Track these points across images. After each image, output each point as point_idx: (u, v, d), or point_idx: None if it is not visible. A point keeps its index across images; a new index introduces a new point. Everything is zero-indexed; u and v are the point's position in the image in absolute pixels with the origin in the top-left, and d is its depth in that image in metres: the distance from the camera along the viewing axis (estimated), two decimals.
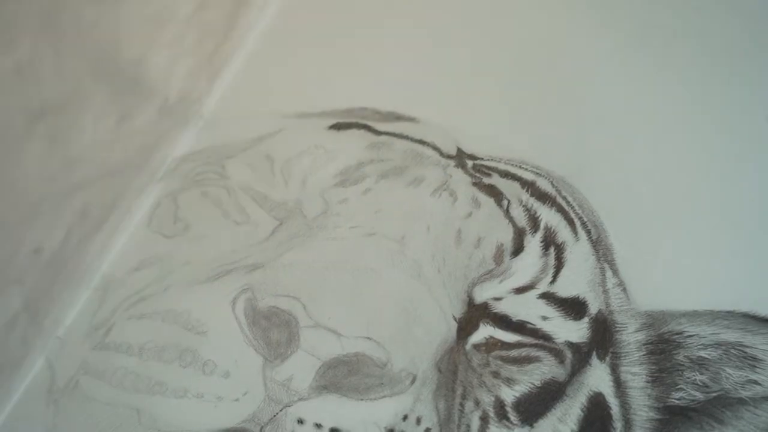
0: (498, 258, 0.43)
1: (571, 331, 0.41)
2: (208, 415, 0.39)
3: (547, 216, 0.44)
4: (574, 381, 0.40)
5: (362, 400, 0.40)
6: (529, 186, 0.45)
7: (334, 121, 0.48)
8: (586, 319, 0.41)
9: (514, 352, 0.40)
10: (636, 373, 0.40)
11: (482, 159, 0.46)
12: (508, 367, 0.40)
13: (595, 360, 0.40)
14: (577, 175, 0.46)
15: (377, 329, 0.41)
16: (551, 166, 0.46)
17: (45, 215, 0.41)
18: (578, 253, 0.43)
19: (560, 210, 0.44)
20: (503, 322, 0.41)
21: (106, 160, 0.44)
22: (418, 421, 0.39)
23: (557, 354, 0.40)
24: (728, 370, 0.40)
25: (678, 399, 0.39)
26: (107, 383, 0.40)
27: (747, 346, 0.40)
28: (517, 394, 0.39)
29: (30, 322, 0.41)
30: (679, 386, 0.39)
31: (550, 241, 0.43)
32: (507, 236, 0.44)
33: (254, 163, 0.47)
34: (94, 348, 0.42)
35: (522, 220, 0.44)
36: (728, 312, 0.41)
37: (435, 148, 0.47)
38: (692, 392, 0.39)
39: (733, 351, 0.40)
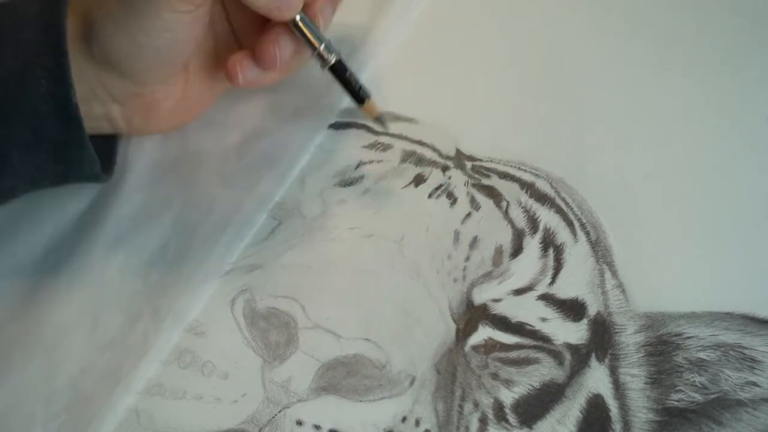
0: (497, 259, 0.43)
1: (570, 333, 0.41)
2: (206, 417, 0.39)
3: (546, 217, 0.44)
4: (573, 383, 0.40)
5: (361, 401, 0.40)
6: (528, 187, 0.45)
7: (333, 120, 0.48)
8: (585, 321, 0.41)
9: (513, 354, 0.40)
10: (635, 375, 0.40)
11: (481, 160, 0.46)
12: (507, 368, 0.40)
13: (594, 362, 0.40)
14: (576, 176, 0.46)
15: (376, 330, 0.41)
16: (550, 167, 0.46)
17: None
18: (577, 254, 0.43)
19: (559, 211, 0.44)
20: (502, 323, 0.41)
21: None
22: (417, 422, 0.39)
23: (556, 355, 0.40)
24: (727, 371, 0.40)
25: (677, 401, 0.39)
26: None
27: (746, 348, 0.40)
28: (516, 396, 0.39)
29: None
30: (678, 388, 0.39)
31: (549, 243, 0.43)
32: (506, 237, 0.44)
33: None
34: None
35: (521, 221, 0.44)
36: (727, 313, 0.41)
37: (434, 149, 0.47)
38: (691, 394, 0.39)
39: (732, 352, 0.40)
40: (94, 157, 0.41)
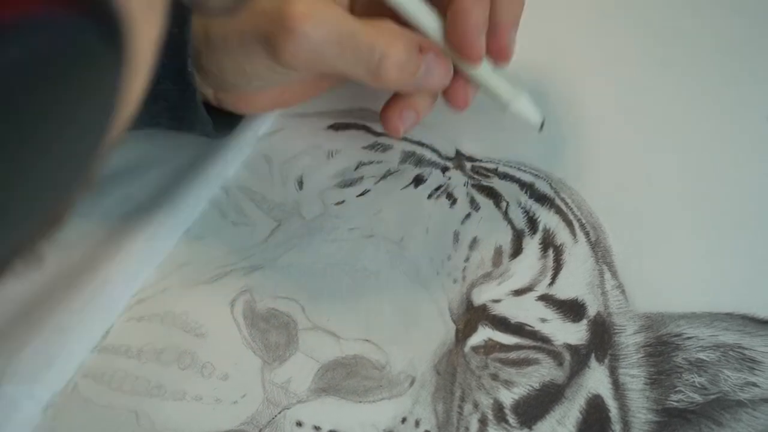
0: (496, 260, 0.43)
1: (570, 333, 0.41)
2: (206, 418, 0.39)
3: (546, 218, 0.44)
4: (573, 383, 0.40)
5: (361, 402, 0.40)
6: (527, 188, 0.45)
7: (332, 122, 0.48)
8: (584, 321, 0.41)
9: (512, 355, 0.40)
10: (635, 376, 0.40)
11: (481, 161, 0.46)
12: (507, 369, 0.40)
13: (593, 362, 0.40)
14: (576, 177, 0.46)
15: (376, 331, 0.41)
16: (550, 167, 0.46)
17: None
18: (577, 254, 0.43)
19: (559, 212, 0.44)
20: (502, 324, 0.41)
21: None
22: (417, 423, 0.39)
23: (556, 356, 0.40)
24: (727, 372, 0.40)
25: (677, 401, 0.39)
26: (105, 386, 0.40)
27: (746, 348, 0.40)
28: (516, 397, 0.39)
29: None
30: (677, 388, 0.39)
31: (548, 243, 0.43)
32: (506, 238, 0.44)
33: (252, 164, 0.47)
34: (92, 350, 0.42)
35: (521, 221, 0.44)
36: (727, 314, 0.41)
37: (434, 150, 0.47)
38: (691, 394, 0.39)
39: (731, 353, 0.40)
40: (207, 120, 0.42)
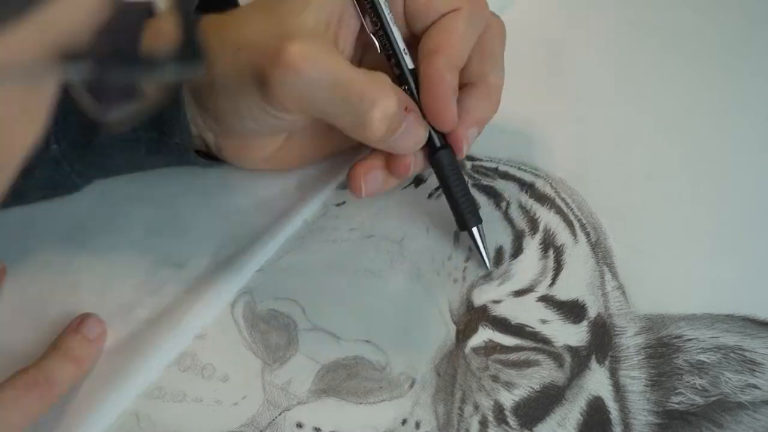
0: (497, 260, 0.43)
1: (570, 335, 0.41)
2: (206, 420, 0.39)
3: (546, 218, 0.44)
4: (574, 385, 0.40)
5: (361, 404, 0.40)
6: (528, 187, 0.45)
7: None
8: (585, 323, 0.41)
9: (513, 356, 0.40)
10: (635, 377, 0.40)
11: (481, 160, 0.46)
12: (508, 370, 0.40)
13: (594, 364, 0.40)
14: (577, 177, 0.45)
15: (376, 332, 0.41)
16: (550, 167, 0.46)
17: None
18: (577, 255, 0.43)
19: (559, 212, 0.44)
20: (502, 325, 0.41)
21: None
22: (417, 425, 0.39)
23: (556, 358, 0.40)
24: (727, 374, 0.40)
25: (677, 403, 0.39)
26: None
27: (746, 350, 0.40)
28: (516, 398, 0.39)
29: None
30: (678, 390, 0.39)
31: (549, 244, 0.43)
32: (506, 238, 0.44)
33: None
34: None
35: (521, 222, 0.44)
36: (727, 315, 0.41)
37: None
38: (691, 396, 0.39)
39: (732, 355, 0.40)
40: (187, 128, 0.41)
